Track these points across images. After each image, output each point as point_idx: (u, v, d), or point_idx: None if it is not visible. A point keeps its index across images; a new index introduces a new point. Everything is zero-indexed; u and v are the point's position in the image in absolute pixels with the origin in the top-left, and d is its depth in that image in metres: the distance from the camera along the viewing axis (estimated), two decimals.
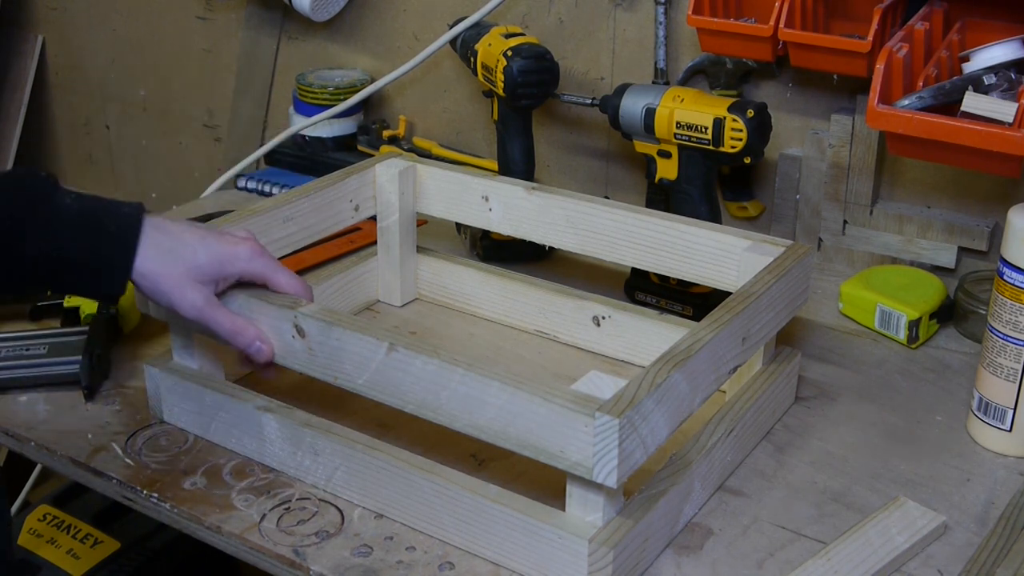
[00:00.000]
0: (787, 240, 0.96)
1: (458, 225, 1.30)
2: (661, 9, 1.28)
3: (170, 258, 0.82)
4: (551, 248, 1.14)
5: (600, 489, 0.73)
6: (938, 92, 0.99)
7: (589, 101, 1.23)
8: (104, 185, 2.02)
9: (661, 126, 1.11)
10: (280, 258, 1.04)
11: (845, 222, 1.26)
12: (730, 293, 0.89)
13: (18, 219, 0.77)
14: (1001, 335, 0.90)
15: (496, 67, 1.19)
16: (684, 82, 1.31)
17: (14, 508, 1.57)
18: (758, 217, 1.33)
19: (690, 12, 1.16)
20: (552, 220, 1.06)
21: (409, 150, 1.50)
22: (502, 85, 1.19)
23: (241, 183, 1.52)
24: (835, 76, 1.21)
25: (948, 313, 1.12)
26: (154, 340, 1.09)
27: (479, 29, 1.27)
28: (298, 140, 1.54)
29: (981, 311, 1.08)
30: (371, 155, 1.47)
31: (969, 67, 1.02)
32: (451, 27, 1.32)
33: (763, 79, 1.28)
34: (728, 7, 1.19)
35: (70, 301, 1.09)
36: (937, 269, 1.20)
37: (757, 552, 0.81)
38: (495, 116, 1.25)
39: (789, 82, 1.26)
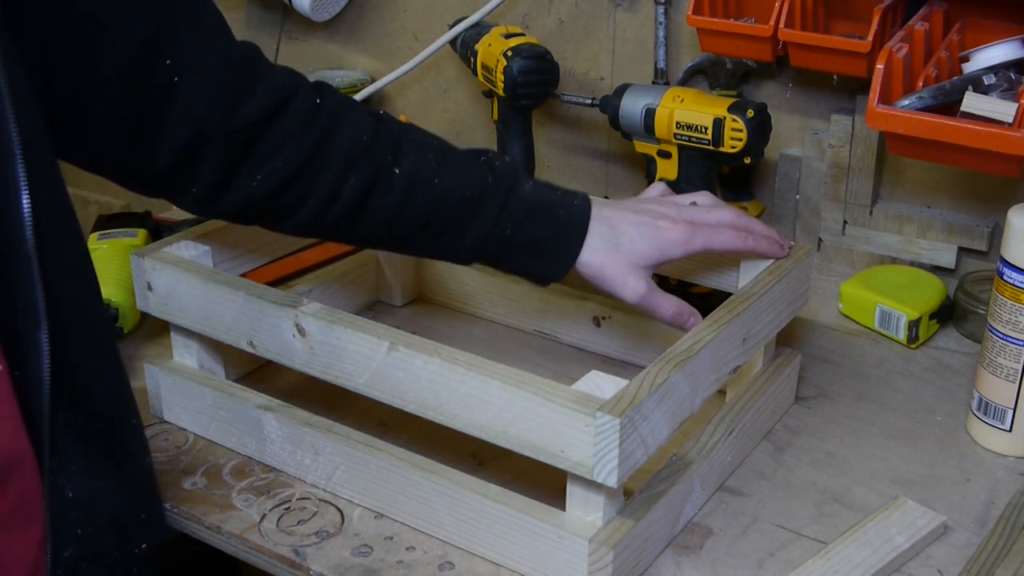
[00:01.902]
0: (787, 240, 0.96)
1: None
2: (661, 9, 1.28)
3: (612, 248, 0.86)
4: None
5: (600, 489, 0.73)
6: (938, 92, 0.99)
7: (589, 101, 1.23)
8: (104, 185, 2.02)
9: (661, 126, 1.11)
10: (280, 258, 1.05)
11: (845, 222, 1.26)
12: (730, 293, 0.89)
13: (487, 197, 0.84)
14: (1001, 335, 0.90)
15: (496, 67, 1.19)
16: (684, 82, 1.31)
17: None
18: (758, 217, 1.33)
19: (690, 12, 1.16)
20: None
21: None
22: (502, 85, 1.19)
23: None
24: (835, 76, 1.21)
25: (948, 313, 1.12)
26: (154, 340, 1.09)
27: (479, 29, 1.27)
28: None
29: (981, 311, 1.08)
30: None
31: (969, 67, 1.02)
32: (451, 27, 1.32)
33: (763, 79, 1.28)
34: (728, 7, 1.19)
35: None
36: (937, 269, 1.20)
37: (757, 552, 0.81)
38: (495, 116, 1.25)
39: (789, 82, 1.26)
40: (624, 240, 0.86)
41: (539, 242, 0.85)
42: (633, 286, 0.87)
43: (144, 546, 0.77)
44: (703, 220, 0.88)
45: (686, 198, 0.92)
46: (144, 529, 0.78)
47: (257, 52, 0.85)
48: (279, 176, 0.81)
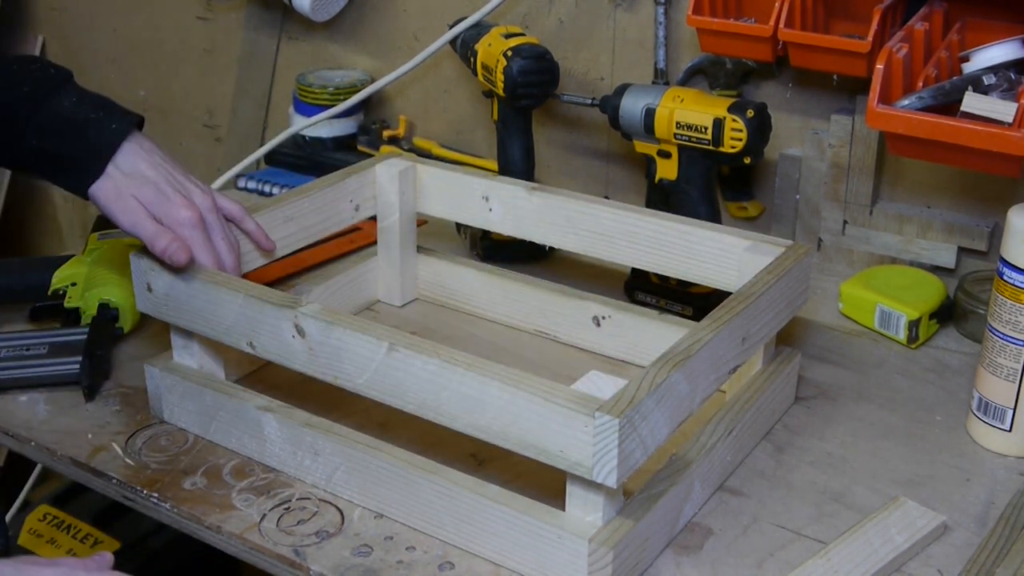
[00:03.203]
0: (787, 240, 0.96)
1: (458, 225, 1.30)
2: (661, 9, 1.28)
3: (117, 185, 0.91)
4: (551, 248, 1.14)
5: (600, 489, 0.73)
6: (938, 92, 0.99)
7: (589, 101, 1.23)
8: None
9: (661, 126, 1.11)
10: (280, 258, 1.05)
11: (845, 222, 1.26)
12: (730, 293, 0.89)
13: (18, 108, 0.90)
14: (1001, 335, 0.90)
15: (496, 67, 1.19)
16: (684, 82, 1.31)
17: (14, 508, 1.57)
18: (758, 217, 1.33)
19: (690, 12, 1.16)
20: (552, 220, 1.06)
21: (409, 150, 1.50)
22: (502, 85, 1.19)
23: (241, 183, 1.52)
24: (835, 76, 1.21)
25: (948, 313, 1.12)
26: (154, 340, 1.09)
27: (479, 29, 1.27)
28: (298, 140, 1.54)
29: (981, 311, 1.08)
30: (371, 155, 1.47)
31: (969, 67, 1.02)
32: (451, 27, 1.32)
33: (763, 79, 1.28)
34: (728, 7, 1.19)
35: (70, 301, 1.09)
36: (937, 269, 1.20)
37: (757, 552, 0.81)
38: (495, 116, 1.25)
39: (789, 82, 1.26)
40: (132, 185, 0.91)
41: (62, 157, 0.91)
42: (122, 209, 0.91)
43: None
44: (174, 220, 0.91)
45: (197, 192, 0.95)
46: None
47: None
48: None
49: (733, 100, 1.08)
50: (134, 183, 0.91)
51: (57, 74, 0.94)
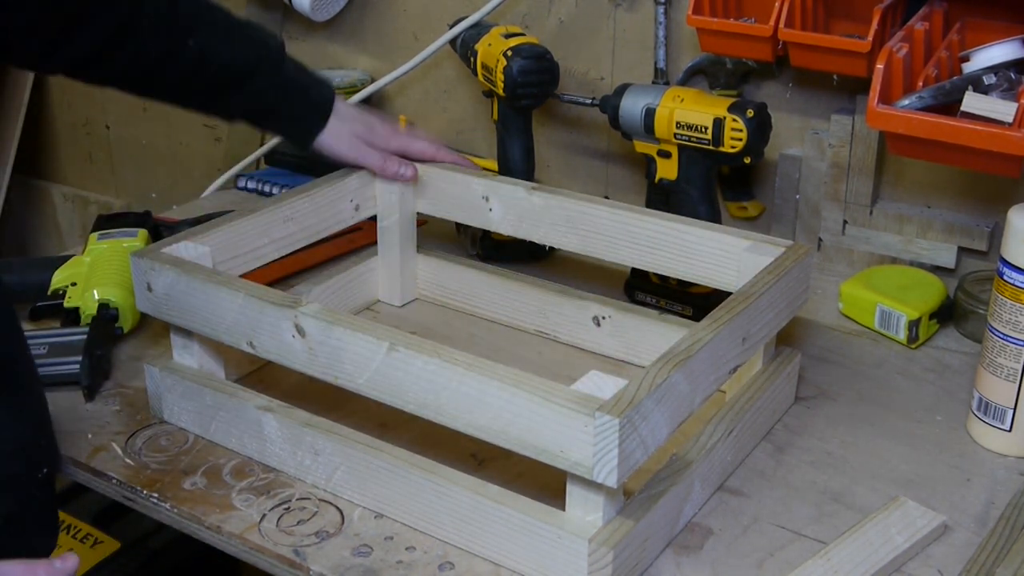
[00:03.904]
0: (787, 240, 0.96)
1: (458, 225, 1.30)
2: (661, 9, 1.28)
3: (339, 129, 1.10)
4: (551, 248, 1.14)
5: (600, 489, 0.73)
6: (938, 92, 0.99)
7: (589, 101, 1.23)
8: (104, 185, 2.02)
9: (661, 126, 1.11)
10: (280, 258, 1.05)
11: (845, 222, 1.26)
12: (730, 293, 0.89)
13: (259, 71, 1.04)
14: (1001, 335, 0.90)
15: (496, 67, 1.19)
16: (684, 82, 1.31)
17: None
18: (758, 217, 1.33)
19: (690, 12, 1.16)
20: (552, 220, 1.06)
21: None
22: (502, 85, 1.19)
23: (241, 183, 1.52)
24: (835, 76, 1.21)
25: (948, 313, 1.12)
26: (154, 340, 1.09)
27: (479, 29, 1.27)
28: None
29: (981, 311, 1.08)
30: None
31: (969, 67, 1.02)
32: (451, 27, 1.32)
33: (763, 79, 1.28)
34: (728, 7, 1.19)
35: (70, 301, 1.09)
36: (937, 269, 1.20)
37: (757, 552, 0.81)
38: (495, 116, 1.25)
39: (789, 82, 1.26)
40: (345, 128, 1.10)
41: (293, 116, 1.08)
42: (346, 146, 1.10)
43: (45, 471, 0.84)
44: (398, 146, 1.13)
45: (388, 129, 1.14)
46: (43, 454, 0.85)
47: None
48: (99, 37, 0.96)
49: (733, 100, 1.08)
50: (347, 125, 1.09)
51: (279, 42, 1.08)
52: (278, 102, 1.07)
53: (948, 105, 0.99)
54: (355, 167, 1.12)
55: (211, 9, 1.03)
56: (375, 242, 1.17)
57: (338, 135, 1.09)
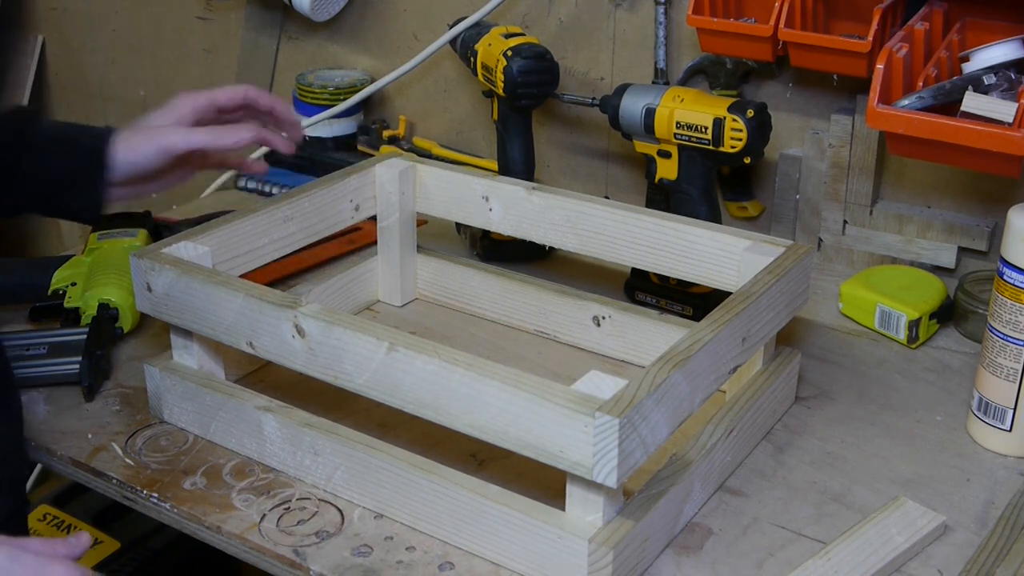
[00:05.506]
0: (787, 240, 0.96)
1: (458, 225, 1.30)
2: (661, 9, 1.28)
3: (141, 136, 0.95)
4: (551, 248, 1.14)
5: (600, 489, 0.73)
6: (938, 92, 0.99)
7: (589, 101, 1.23)
8: None
9: (661, 126, 1.11)
10: (280, 258, 1.05)
11: (845, 222, 1.26)
12: (730, 293, 0.89)
13: (12, 144, 0.91)
14: (1001, 335, 0.90)
15: (496, 67, 1.19)
16: (684, 82, 1.31)
17: None
18: (758, 217, 1.33)
19: (690, 12, 1.16)
20: (552, 220, 1.06)
21: (409, 150, 1.50)
22: (502, 85, 1.19)
23: (241, 183, 1.52)
24: (835, 76, 1.21)
25: (948, 313, 1.12)
26: (154, 340, 1.09)
27: (479, 29, 1.27)
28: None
29: (981, 311, 1.08)
30: (371, 155, 1.47)
31: (969, 67, 1.02)
32: (451, 27, 1.32)
33: (763, 79, 1.28)
34: (728, 7, 1.19)
35: (70, 301, 1.09)
36: (937, 269, 1.20)
37: (757, 552, 0.81)
38: (495, 116, 1.25)
39: (789, 82, 1.26)
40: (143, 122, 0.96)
41: (64, 173, 0.92)
42: (170, 137, 0.94)
43: (23, 472, 0.89)
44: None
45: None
46: (23, 454, 0.89)
47: None
48: None
49: (733, 100, 1.08)
50: (143, 125, 0.95)
51: (28, 109, 0.95)
52: (41, 167, 0.93)
53: (948, 105, 0.99)
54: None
55: None
56: (375, 242, 1.17)
57: (134, 141, 0.94)
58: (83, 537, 0.72)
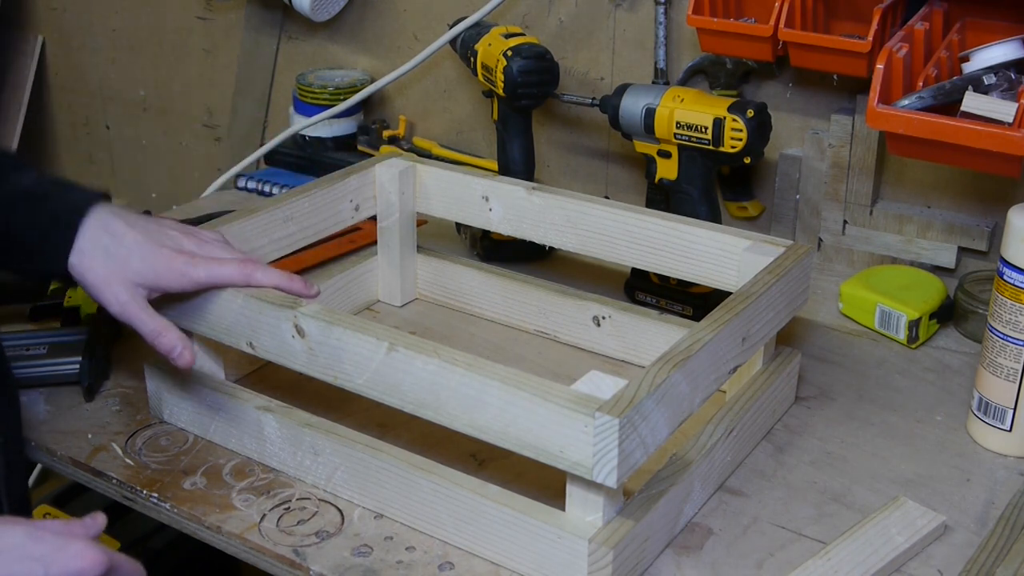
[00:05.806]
0: (787, 240, 0.96)
1: (458, 225, 1.30)
2: (661, 9, 1.28)
3: (102, 257, 0.82)
4: (551, 248, 1.14)
5: (600, 489, 0.73)
6: (938, 92, 0.99)
7: (589, 101, 1.23)
8: (104, 185, 2.02)
9: (661, 126, 1.11)
10: (280, 258, 1.05)
11: (845, 222, 1.26)
12: (730, 293, 0.89)
13: None
14: (1001, 335, 0.90)
15: (496, 67, 1.19)
16: (684, 82, 1.31)
17: None
18: (758, 217, 1.33)
19: (690, 12, 1.16)
20: (552, 220, 1.06)
21: (409, 150, 1.50)
22: (502, 85, 1.19)
23: (241, 183, 1.52)
24: (835, 76, 1.21)
25: (948, 313, 1.12)
26: None
27: (479, 29, 1.27)
28: (298, 140, 1.54)
29: (981, 311, 1.08)
30: (371, 155, 1.47)
31: (969, 67, 1.02)
32: (451, 27, 1.32)
33: (763, 79, 1.28)
34: (728, 7, 1.19)
35: (70, 301, 1.09)
36: (937, 269, 1.20)
37: (757, 552, 0.81)
38: (495, 116, 1.25)
39: (789, 82, 1.26)
40: (121, 252, 0.82)
41: (33, 233, 0.82)
42: (115, 296, 0.82)
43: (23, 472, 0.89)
44: (207, 254, 0.86)
45: (208, 234, 0.90)
46: (23, 454, 0.90)
47: None
48: None
49: (733, 100, 1.08)
50: (121, 254, 0.82)
51: (7, 157, 0.86)
52: (9, 223, 0.82)
53: (948, 105, 0.99)
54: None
55: None
56: (375, 242, 1.17)
57: (103, 277, 0.82)
58: (99, 518, 0.73)
